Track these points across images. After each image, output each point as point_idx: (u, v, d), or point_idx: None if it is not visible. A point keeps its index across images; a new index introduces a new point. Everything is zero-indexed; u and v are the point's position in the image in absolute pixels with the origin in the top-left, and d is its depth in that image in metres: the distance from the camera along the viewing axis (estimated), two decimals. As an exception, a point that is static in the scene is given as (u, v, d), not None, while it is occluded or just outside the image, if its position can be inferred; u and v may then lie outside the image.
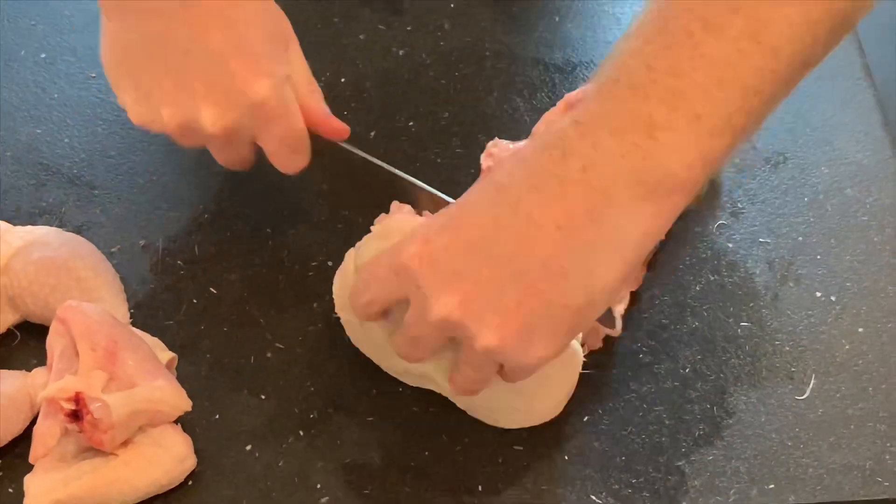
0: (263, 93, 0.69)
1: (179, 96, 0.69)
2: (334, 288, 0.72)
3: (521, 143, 0.80)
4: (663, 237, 0.61)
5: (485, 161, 0.81)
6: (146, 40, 0.69)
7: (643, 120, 0.56)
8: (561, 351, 0.62)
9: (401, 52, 0.91)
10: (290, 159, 0.73)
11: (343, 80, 0.88)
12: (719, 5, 0.56)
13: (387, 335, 0.69)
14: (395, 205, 0.75)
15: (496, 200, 0.60)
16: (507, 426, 0.72)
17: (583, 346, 0.71)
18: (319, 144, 0.74)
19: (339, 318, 0.73)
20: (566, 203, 0.57)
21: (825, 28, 0.58)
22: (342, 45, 0.91)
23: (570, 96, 0.76)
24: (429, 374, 0.70)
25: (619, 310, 0.74)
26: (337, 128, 0.74)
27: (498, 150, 0.81)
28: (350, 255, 0.72)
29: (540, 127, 0.77)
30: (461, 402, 0.72)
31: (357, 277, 0.67)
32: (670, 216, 0.58)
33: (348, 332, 0.74)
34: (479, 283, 0.59)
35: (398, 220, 0.71)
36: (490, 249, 0.59)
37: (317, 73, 0.82)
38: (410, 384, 0.73)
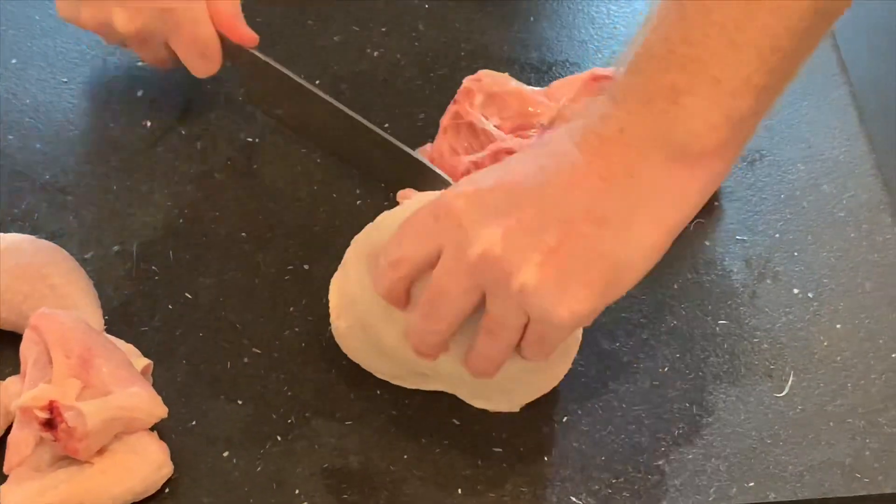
0: (171, 1, 0.77)
1: None
2: (331, 293, 0.72)
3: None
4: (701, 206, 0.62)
5: (467, 82, 0.81)
6: None
7: (667, 88, 0.59)
8: (592, 312, 0.62)
9: (375, 54, 0.90)
10: (198, 63, 0.81)
11: (318, 82, 0.88)
12: None
13: (397, 334, 0.68)
14: (400, 193, 0.76)
15: (541, 153, 0.63)
16: (513, 406, 0.72)
17: None
18: (233, 51, 0.80)
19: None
20: (606, 158, 0.60)
21: None
22: (317, 47, 0.91)
23: (597, 70, 0.82)
24: (439, 366, 0.69)
25: None
26: (245, 34, 0.80)
27: (490, 80, 0.81)
28: (349, 253, 0.71)
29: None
30: (469, 394, 0.72)
31: (386, 242, 0.67)
32: (706, 181, 0.61)
33: (343, 340, 0.72)
34: (523, 221, 0.60)
35: (396, 211, 0.70)
36: (535, 192, 0.61)
37: (291, 76, 0.82)
38: (411, 387, 0.73)
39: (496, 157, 0.77)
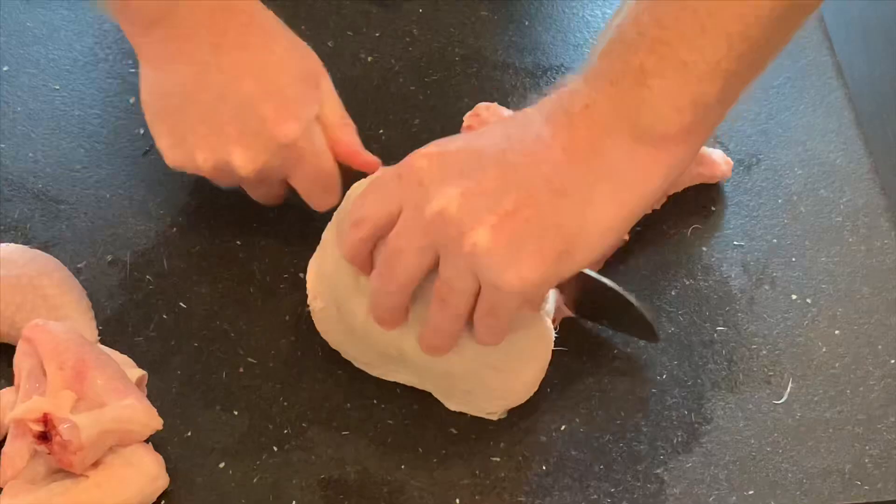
0: (292, 135, 0.72)
1: (213, 140, 0.72)
2: (308, 274, 0.72)
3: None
4: (663, 195, 0.65)
5: (468, 119, 0.81)
6: (182, 87, 0.72)
7: (636, 69, 0.60)
8: (542, 282, 0.62)
9: (369, 59, 0.90)
10: (321, 198, 0.76)
11: (311, 88, 0.87)
12: None
13: (366, 308, 0.68)
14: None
15: (510, 123, 0.64)
16: (487, 410, 0.71)
17: (553, 322, 0.71)
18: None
19: (309, 314, 0.72)
20: (571, 131, 0.61)
21: None
22: (310, 53, 0.90)
23: None
24: (403, 352, 0.69)
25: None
26: (368, 161, 0.76)
27: (488, 114, 0.81)
28: (327, 234, 0.71)
29: None
30: (439, 390, 0.71)
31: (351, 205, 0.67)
32: (670, 165, 0.62)
33: (320, 323, 0.73)
34: (482, 184, 0.61)
35: (366, 181, 0.71)
36: (498, 157, 0.62)
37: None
38: (382, 377, 0.72)
39: None
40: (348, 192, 0.72)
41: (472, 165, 0.62)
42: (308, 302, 0.72)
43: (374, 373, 0.73)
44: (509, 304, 0.63)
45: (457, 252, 0.61)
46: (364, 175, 0.73)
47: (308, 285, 0.72)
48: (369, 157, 0.76)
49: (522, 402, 0.71)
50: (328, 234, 0.72)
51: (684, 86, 0.60)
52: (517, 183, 0.61)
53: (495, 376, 0.69)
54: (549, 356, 0.70)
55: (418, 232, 0.62)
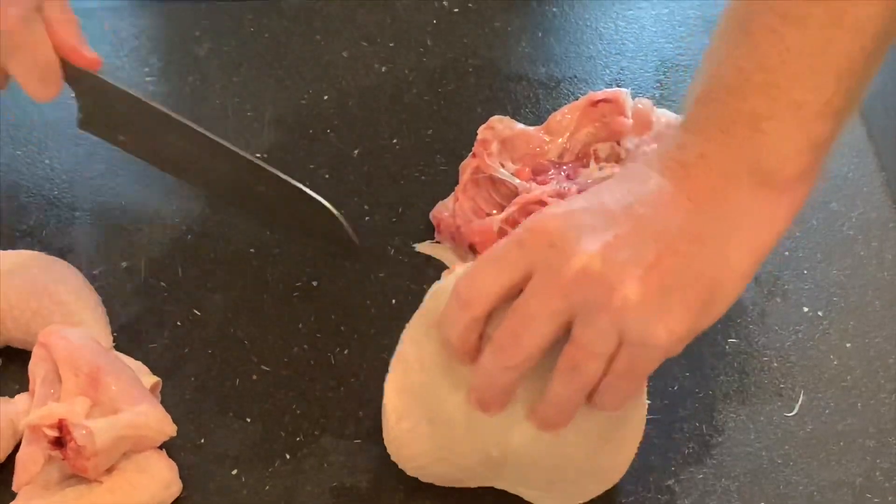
0: (9, 23, 0.72)
1: None
2: (387, 395, 0.66)
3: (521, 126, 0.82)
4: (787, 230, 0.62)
5: (482, 133, 0.81)
6: None
7: (747, 114, 0.58)
8: (688, 334, 0.59)
9: (383, 69, 0.90)
10: (38, 88, 0.75)
11: (326, 97, 0.88)
12: None
13: (464, 413, 0.63)
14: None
15: (623, 179, 0.61)
16: (586, 497, 0.68)
17: None
18: (77, 74, 0.76)
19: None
20: (692, 181, 0.59)
21: None
22: (325, 63, 0.90)
23: (593, 94, 0.82)
24: (508, 447, 0.64)
25: None
26: (88, 58, 0.76)
27: (502, 126, 0.81)
28: (405, 338, 0.65)
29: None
30: (539, 485, 0.68)
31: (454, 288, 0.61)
32: (792, 205, 0.60)
33: (407, 447, 0.67)
34: (620, 237, 0.58)
35: (447, 279, 0.65)
36: (628, 210, 0.59)
37: (299, 91, 0.82)
38: (472, 485, 0.69)
39: (526, 209, 0.76)
40: (430, 291, 0.65)
41: (604, 220, 0.59)
42: (390, 426, 0.66)
43: (462, 484, 0.69)
44: (651, 362, 0.60)
45: (603, 309, 0.58)
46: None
47: (388, 407, 0.66)
48: (90, 55, 0.76)
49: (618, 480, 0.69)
50: (406, 338, 0.65)
51: (800, 127, 0.58)
52: (653, 233, 0.58)
53: (603, 449, 0.66)
54: (642, 430, 0.67)
55: (557, 294, 0.58)
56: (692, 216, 0.59)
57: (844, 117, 0.60)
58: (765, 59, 0.58)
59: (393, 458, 0.68)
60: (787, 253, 0.81)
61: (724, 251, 0.59)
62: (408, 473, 0.68)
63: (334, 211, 0.75)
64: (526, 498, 0.69)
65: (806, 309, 0.78)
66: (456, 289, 0.61)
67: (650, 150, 0.61)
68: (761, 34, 0.58)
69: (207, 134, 0.76)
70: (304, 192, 0.75)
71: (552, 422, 0.63)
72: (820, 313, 0.78)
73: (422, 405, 0.65)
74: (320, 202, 0.75)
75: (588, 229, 0.58)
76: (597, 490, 0.68)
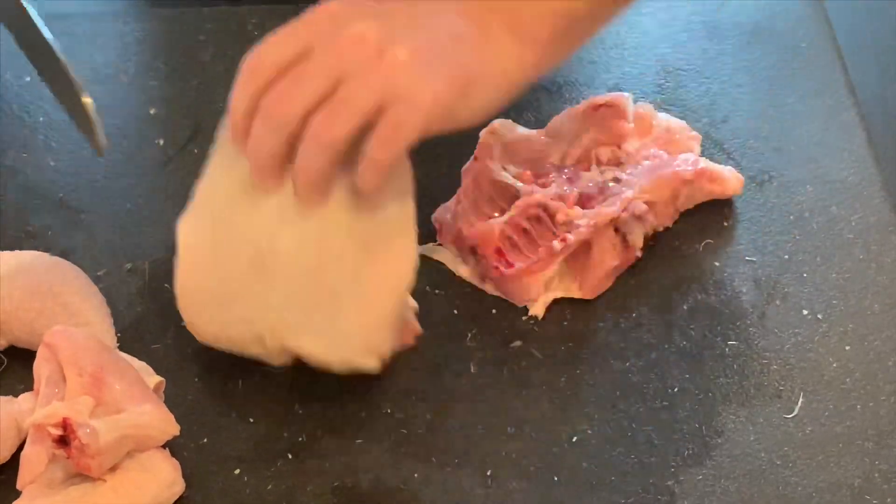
0: None
1: None
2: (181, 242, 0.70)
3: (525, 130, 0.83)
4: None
5: (484, 136, 0.81)
6: None
7: None
8: (448, 106, 0.64)
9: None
10: None
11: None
12: None
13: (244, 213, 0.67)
14: None
15: None
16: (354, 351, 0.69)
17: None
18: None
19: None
20: (466, 4, 0.66)
21: None
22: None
23: (595, 98, 0.84)
24: (275, 248, 0.67)
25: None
26: None
27: (504, 130, 0.82)
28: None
29: None
30: (304, 313, 0.69)
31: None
32: (541, 60, 0.68)
33: (186, 280, 0.70)
34: (397, 21, 0.64)
35: None
36: (409, 9, 0.65)
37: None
38: (254, 350, 0.71)
39: (527, 212, 0.78)
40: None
41: (384, 11, 0.64)
42: (179, 271, 0.70)
43: (252, 349, 0.71)
44: (411, 127, 0.63)
45: (373, 68, 0.62)
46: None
47: (180, 239, 0.70)
48: None
49: (384, 340, 0.69)
50: (200, 184, 0.70)
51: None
52: (426, 25, 0.65)
53: (368, 263, 0.67)
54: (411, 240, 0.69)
55: (331, 55, 0.62)
56: (460, 25, 0.65)
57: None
58: None
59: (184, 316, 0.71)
60: (786, 256, 0.81)
61: (481, 56, 0.65)
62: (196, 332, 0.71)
63: None
64: (301, 351, 0.70)
65: (805, 312, 0.79)
66: (242, 65, 0.64)
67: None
68: None
69: None
70: None
71: (305, 193, 0.65)
72: (819, 316, 0.78)
73: (208, 218, 0.69)
74: None
75: (370, 14, 0.64)
76: (365, 321, 0.69)
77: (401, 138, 0.63)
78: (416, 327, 0.74)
